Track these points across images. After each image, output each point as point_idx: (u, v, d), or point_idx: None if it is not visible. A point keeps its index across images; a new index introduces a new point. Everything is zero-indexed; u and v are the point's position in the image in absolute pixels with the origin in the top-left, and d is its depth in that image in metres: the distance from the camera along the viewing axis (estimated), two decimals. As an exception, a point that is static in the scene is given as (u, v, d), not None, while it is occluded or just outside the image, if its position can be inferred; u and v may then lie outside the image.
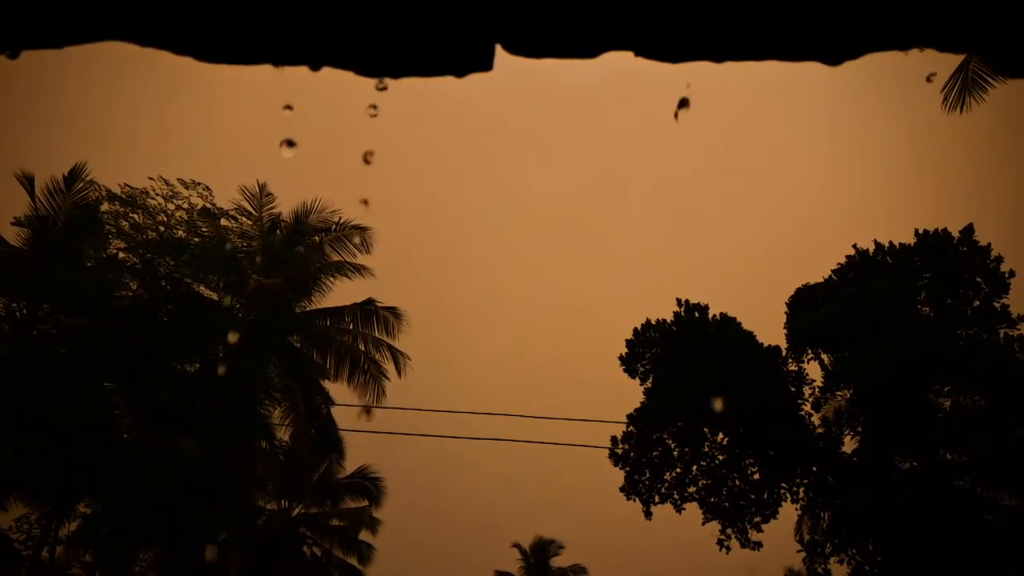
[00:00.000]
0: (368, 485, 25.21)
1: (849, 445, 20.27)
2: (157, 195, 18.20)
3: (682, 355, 20.57)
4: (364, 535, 25.65)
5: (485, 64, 1.83)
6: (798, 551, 20.66)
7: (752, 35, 1.59)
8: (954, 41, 1.51)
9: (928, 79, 1.77)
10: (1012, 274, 19.57)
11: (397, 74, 1.86)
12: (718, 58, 1.65)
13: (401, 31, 1.79)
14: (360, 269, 20.14)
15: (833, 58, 1.58)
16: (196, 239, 17.66)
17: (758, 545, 20.44)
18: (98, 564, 16.59)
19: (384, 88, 1.87)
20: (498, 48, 1.79)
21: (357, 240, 19.84)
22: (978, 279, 19.82)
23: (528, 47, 1.78)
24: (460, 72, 1.85)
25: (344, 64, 1.86)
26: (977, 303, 19.86)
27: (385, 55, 1.83)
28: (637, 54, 1.72)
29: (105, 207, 17.10)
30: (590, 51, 1.75)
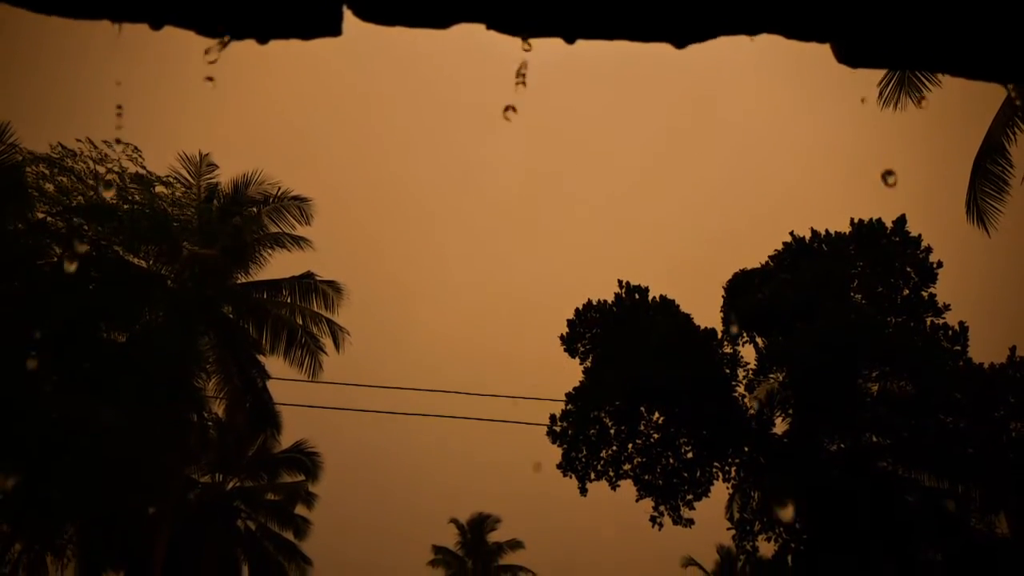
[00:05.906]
0: (305, 459, 24.96)
1: (780, 427, 20.75)
2: (87, 157, 17.54)
3: (621, 335, 20.73)
4: (300, 510, 25.44)
5: (333, 28, 1.73)
6: (728, 529, 21.19)
7: (600, 14, 1.52)
8: (798, 29, 1.47)
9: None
10: (940, 264, 20.15)
11: (239, 35, 1.75)
12: (568, 37, 1.58)
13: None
14: (299, 241, 19.78)
15: (680, 40, 1.52)
16: (126, 205, 17.07)
17: (690, 522, 20.83)
18: (16, 537, 16.11)
19: (226, 44, 1.74)
20: (348, 13, 1.70)
21: (296, 211, 19.47)
22: (908, 269, 20.35)
23: (377, 13, 1.69)
24: (306, 35, 1.74)
25: (184, 23, 1.75)
26: (907, 292, 20.40)
27: (228, 14, 1.72)
28: (488, 27, 1.64)
29: (29, 169, 16.41)
30: (439, 22, 1.66)
